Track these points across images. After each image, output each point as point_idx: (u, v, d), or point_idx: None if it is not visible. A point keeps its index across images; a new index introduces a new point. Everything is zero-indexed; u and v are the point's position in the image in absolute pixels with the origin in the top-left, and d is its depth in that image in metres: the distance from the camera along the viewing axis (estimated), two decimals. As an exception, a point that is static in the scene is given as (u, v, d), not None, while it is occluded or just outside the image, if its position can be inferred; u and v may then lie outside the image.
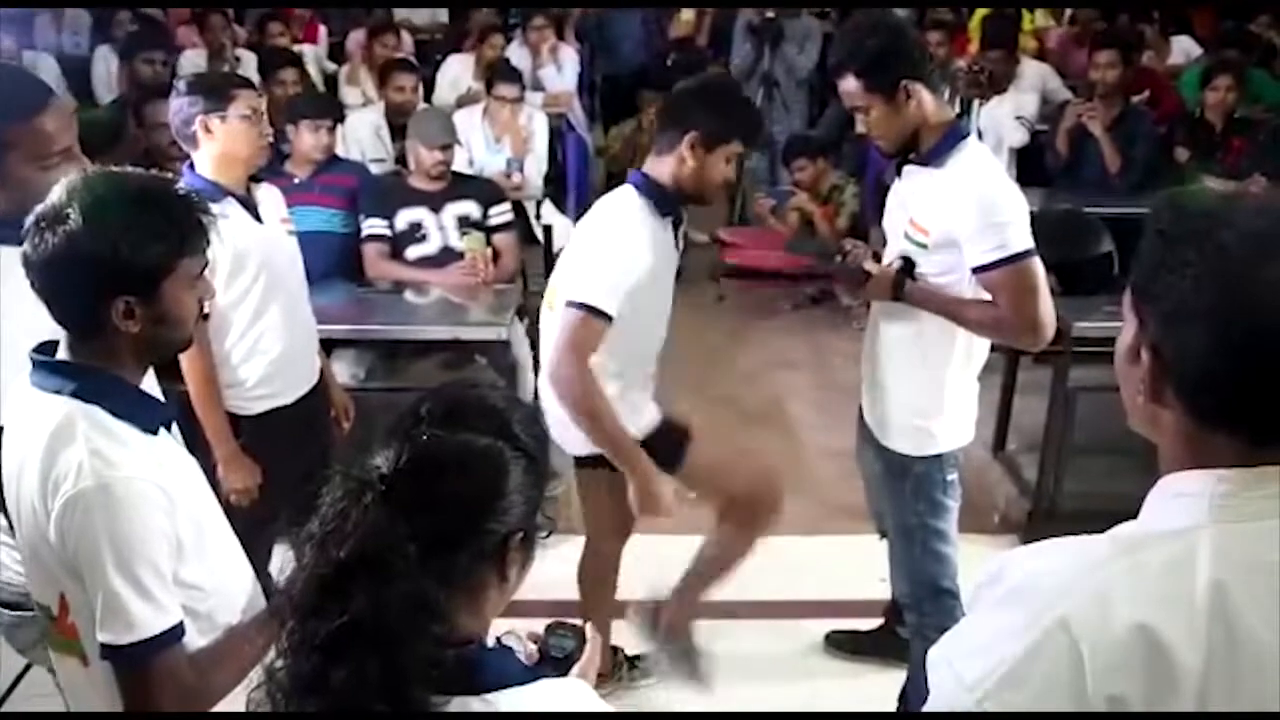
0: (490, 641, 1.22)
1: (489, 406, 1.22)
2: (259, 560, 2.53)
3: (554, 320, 2.67)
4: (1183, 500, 0.98)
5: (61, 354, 1.54)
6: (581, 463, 2.74)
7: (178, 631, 1.49)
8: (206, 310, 1.67)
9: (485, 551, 1.16)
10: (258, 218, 2.79)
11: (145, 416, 1.55)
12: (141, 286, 1.49)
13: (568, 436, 2.64)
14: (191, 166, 2.74)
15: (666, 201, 2.56)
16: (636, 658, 3.13)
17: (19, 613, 2.04)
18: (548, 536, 1.25)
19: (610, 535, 2.90)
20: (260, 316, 2.79)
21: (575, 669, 1.37)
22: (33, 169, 1.78)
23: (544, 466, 1.22)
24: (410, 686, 1.07)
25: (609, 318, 2.45)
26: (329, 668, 1.07)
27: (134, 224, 1.48)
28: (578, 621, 1.45)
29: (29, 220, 1.48)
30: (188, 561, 1.52)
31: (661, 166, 2.55)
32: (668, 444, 2.66)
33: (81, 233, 1.45)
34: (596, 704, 1.24)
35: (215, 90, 2.69)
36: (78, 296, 1.48)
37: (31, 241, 1.47)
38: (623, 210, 2.57)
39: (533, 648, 1.38)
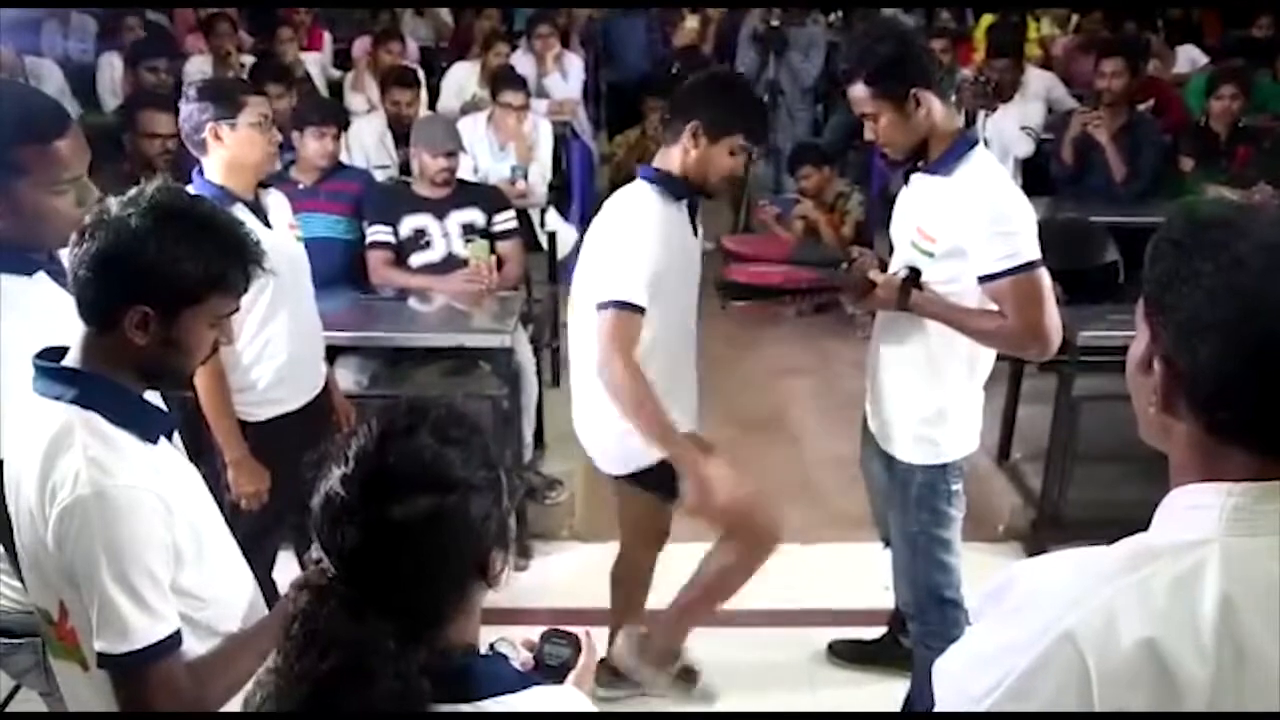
0: (483, 648, 1.21)
1: (422, 465, 1.12)
2: (262, 566, 2.54)
3: (576, 321, 2.66)
4: (1193, 513, 0.97)
5: (68, 360, 1.53)
6: (620, 478, 2.73)
7: (174, 640, 1.49)
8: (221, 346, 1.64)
9: (465, 581, 1.16)
10: (267, 223, 2.80)
11: (145, 425, 1.54)
12: (164, 302, 1.49)
13: (606, 458, 2.65)
14: (201, 172, 2.74)
15: (677, 186, 2.57)
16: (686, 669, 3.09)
17: (13, 640, 2.03)
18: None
19: (645, 544, 2.89)
20: (268, 322, 2.79)
21: (570, 677, 1.36)
22: (43, 194, 1.78)
23: (503, 479, 1.18)
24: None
25: (641, 309, 2.46)
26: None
27: (183, 241, 1.48)
28: (574, 629, 1.44)
29: (86, 221, 1.49)
30: (186, 569, 1.52)
31: (668, 158, 2.59)
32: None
33: (131, 232, 1.46)
34: (588, 710, 1.24)
35: (226, 97, 2.69)
36: (101, 290, 1.48)
37: (81, 237, 1.47)
38: (635, 202, 2.58)
39: (527, 655, 1.37)
